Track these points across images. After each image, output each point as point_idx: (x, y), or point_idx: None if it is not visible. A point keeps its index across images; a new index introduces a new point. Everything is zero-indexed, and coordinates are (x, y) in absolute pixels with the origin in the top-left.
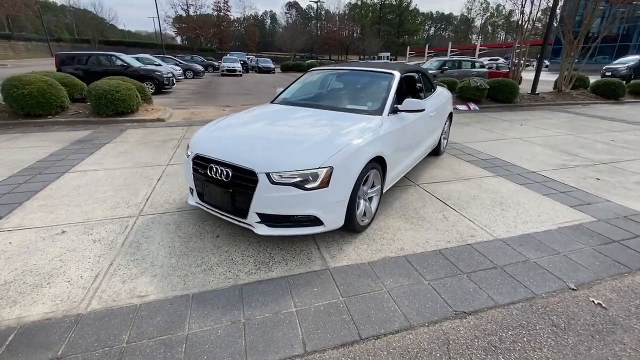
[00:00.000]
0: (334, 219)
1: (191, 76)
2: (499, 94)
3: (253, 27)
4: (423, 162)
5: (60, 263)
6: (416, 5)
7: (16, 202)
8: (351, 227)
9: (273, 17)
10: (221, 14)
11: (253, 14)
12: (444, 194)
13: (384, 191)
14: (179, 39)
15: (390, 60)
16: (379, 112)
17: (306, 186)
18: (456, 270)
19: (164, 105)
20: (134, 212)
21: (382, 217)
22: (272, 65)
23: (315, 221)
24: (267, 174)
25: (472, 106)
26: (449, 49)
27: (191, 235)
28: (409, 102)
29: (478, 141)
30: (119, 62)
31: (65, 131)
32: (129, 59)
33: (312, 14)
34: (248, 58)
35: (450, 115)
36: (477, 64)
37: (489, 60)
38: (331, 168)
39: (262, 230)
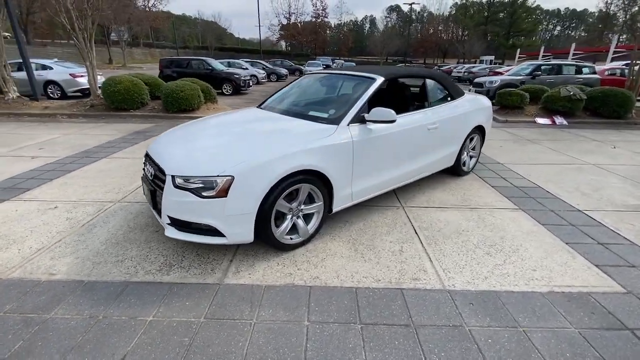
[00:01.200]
0: (238, 232)
1: (275, 79)
2: (602, 107)
3: (347, 33)
4: (433, 182)
5: (29, 233)
6: (534, 2)
7: (48, 179)
8: (272, 244)
9: (372, 21)
10: (319, 20)
11: (352, 20)
12: (425, 223)
13: (334, 210)
14: (283, 45)
15: (494, 64)
16: (336, 121)
17: (203, 193)
18: (353, 318)
19: (232, 105)
20: (117, 198)
21: (328, 238)
22: None
23: (216, 232)
24: (172, 177)
25: (558, 120)
26: (571, 51)
27: (139, 226)
28: (377, 112)
29: (530, 163)
30: (206, 66)
31: (135, 123)
32: (215, 63)
33: (413, 16)
34: (333, 62)
35: (482, 130)
36: (585, 70)
37: (623, 65)
38: (232, 177)
39: (171, 232)
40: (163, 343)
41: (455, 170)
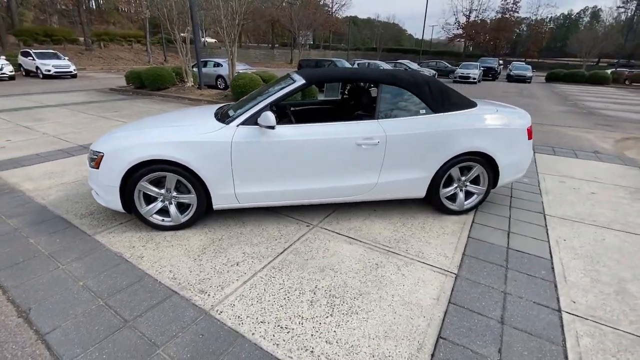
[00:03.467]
0: (109, 200)
1: None
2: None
3: (540, 30)
4: (395, 211)
5: None
6: None
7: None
8: (141, 219)
9: (595, 14)
10: (506, 16)
11: (553, 15)
12: (306, 248)
13: (215, 207)
14: (462, 44)
15: None
16: (228, 120)
17: (90, 164)
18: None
19: None
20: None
21: (196, 231)
22: (529, 74)
23: (98, 194)
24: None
25: None
26: None
27: None
28: (265, 117)
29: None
30: (334, 66)
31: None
32: (341, 63)
33: None
34: (500, 64)
35: (489, 160)
36: None
37: None
38: (102, 155)
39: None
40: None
41: (435, 205)
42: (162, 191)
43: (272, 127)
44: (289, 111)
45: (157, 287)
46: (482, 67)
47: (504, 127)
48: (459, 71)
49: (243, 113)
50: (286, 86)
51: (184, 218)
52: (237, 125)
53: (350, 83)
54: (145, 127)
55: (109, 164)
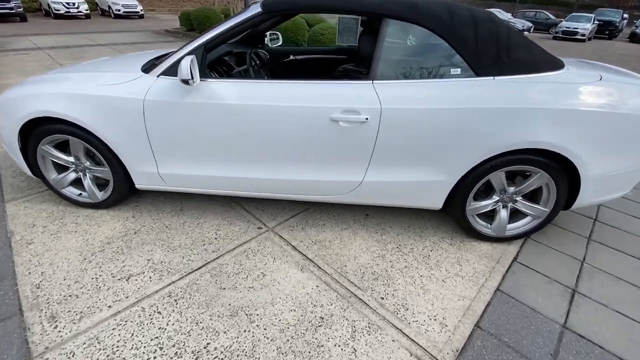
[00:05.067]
0: (15, 156)
1: None
2: None
3: None
4: (402, 222)
5: None
6: None
7: None
8: (50, 188)
9: None
10: None
11: None
12: (226, 267)
13: (138, 186)
14: None
15: None
16: (150, 68)
17: None
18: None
19: None
20: None
21: (115, 214)
22: None
23: None
24: None
25: None
26: None
27: None
28: (181, 66)
29: None
30: None
31: None
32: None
33: None
34: (624, 18)
35: (560, 160)
36: None
37: None
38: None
39: None
40: None
41: (458, 222)
42: (71, 159)
43: (186, 82)
44: (283, 63)
45: (7, 299)
46: (598, 20)
47: (608, 110)
48: (564, 24)
49: (170, 57)
50: (232, 18)
51: (102, 195)
52: (157, 76)
53: (338, 13)
54: (77, 71)
55: (3, 117)
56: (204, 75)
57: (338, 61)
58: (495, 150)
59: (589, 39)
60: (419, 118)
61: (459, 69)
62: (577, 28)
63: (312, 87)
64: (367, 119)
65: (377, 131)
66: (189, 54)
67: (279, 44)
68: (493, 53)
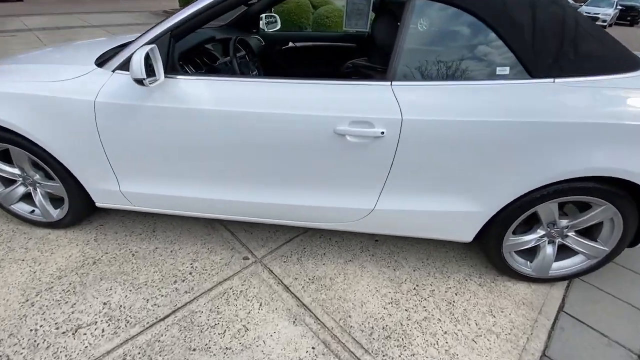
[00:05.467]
0: None
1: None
2: None
3: None
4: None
5: None
6: None
7: None
8: None
9: None
10: None
11: None
12: (192, 318)
13: (97, 203)
14: None
15: None
16: (106, 61)
17: None
18: None
19: None
20: None
21: (77, 237)
22: None
23: None
24: None
25: None
26: None
27: None
28: (134, 61)
29: None
30: None
31: None
32: None
33: None
34: None
35: (631, 188)
36: None
37: None
38: None
39: None
40: None
41: (490, 256)
42: (16, 170)
43: (140, 82)
44: (279, 52)
45: None
46: (621, 5)
47: None
48: (584, 9)
49: (127, 48)
50: None
51: (58, 214)
52: (113, 71)
53: None
54: (21, 62)
55: None
56: (172, 70)
57: (344, 50)
58: (552, 178)
59: (610, 25)
60: (452, 134)
61: (507, 68)
62: (598, 13)
63: (311, 88)
64: (382, 133)
65: (396, 149)
66: (148, 43)
67: (276, 29)
68: (555, 47)
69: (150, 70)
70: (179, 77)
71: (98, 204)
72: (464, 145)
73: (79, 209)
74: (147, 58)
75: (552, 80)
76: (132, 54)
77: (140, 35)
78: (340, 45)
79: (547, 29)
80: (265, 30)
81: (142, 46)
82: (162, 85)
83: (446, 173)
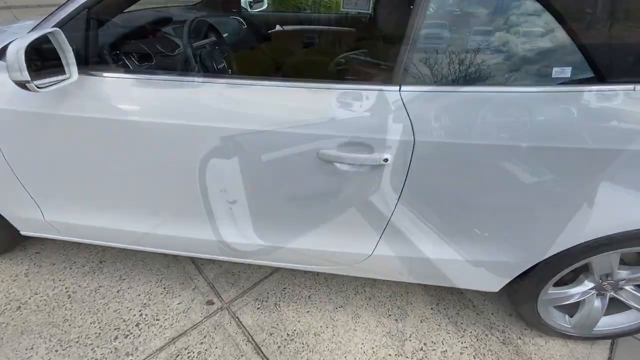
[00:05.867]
0: None
1: None
2: None
3: None
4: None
5: None
6: None
7: None
8: None
9: None
10: None
11: None
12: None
13: (22, 232)
14: None
15: None
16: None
17: None
18: None
19: None
20: None
21: None
22: None
23: None
24: None
25: None
26: None
27: None
28: (9, 56)
29: None
30: None
31: None
32: None
33: None
34: None
35: None
36: None
37: None
38: None
39: None
40: None
41: (519, 309)
42: None
43: (22, 85)
44: (263, 37)
45: None
46: None
47: None
48: None
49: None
50: None
51: None
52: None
53: None
54: None
55: None
56: (100, 64)
57: (342, 36)
58: (624, 226)
59: None
60: (486, 162)
61: (568, 70)
62: None
63: (288, 94)
64: (386, 160)
65: (404, 182)
66: (54, 26)
67: (262, 9)
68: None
69: (50, 66)
70: (105, 74)
71: (23, 233)
72: (501, 177)
73: (2, 238)
74: (41, 50)
75: (632, 87)
76: (8, 44)
77: (47, 17)
78: (336, 29)
79: (627, 18)
80: (249, 10)
81: (33, 31)
82: (77, 86)
83: (471, 214)
